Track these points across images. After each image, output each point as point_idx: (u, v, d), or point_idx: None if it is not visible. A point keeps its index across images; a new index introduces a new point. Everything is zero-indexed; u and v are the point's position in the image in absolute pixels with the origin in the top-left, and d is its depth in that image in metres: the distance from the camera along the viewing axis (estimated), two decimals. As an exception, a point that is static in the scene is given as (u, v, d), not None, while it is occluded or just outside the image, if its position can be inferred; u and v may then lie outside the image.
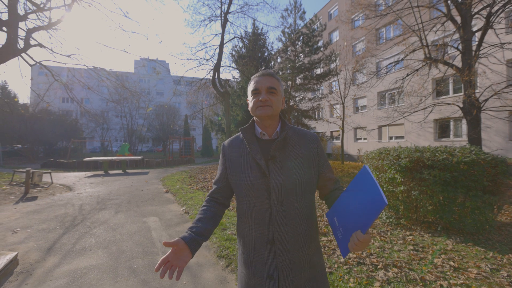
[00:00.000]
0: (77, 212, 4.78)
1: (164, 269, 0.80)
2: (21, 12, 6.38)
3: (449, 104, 9.27)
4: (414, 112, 9.54)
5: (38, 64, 6.80)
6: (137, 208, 5.04)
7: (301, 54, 14.47)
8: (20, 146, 22.15)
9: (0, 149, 17.04)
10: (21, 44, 6.49)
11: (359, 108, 20.28)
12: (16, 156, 21.24)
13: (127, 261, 2.75)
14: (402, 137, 16.65)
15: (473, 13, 7.82)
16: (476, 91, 10.41)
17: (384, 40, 17.74)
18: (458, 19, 8.35)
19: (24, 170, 7.54)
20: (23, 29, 6.81)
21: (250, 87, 1.01)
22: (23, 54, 6.13)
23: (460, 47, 8.43)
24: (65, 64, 7.05)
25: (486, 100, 8.18)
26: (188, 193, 6.48)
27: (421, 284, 2.25)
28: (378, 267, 2.55)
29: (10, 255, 2.59)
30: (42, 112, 22.10)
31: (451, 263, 2.63)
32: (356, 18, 14.45)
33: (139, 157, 14.43)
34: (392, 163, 3.92)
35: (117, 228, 3.85)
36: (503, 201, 3.83)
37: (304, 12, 14.26)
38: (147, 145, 42.81)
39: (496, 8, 7.40)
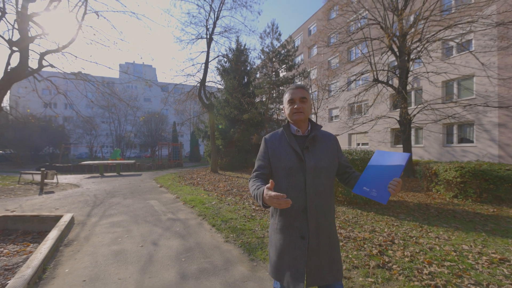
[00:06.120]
0: (94, 198, 6.37)
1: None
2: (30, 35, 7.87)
3: (390, 117, 11.57)
4: (363, 123, 11.77)
5: (45, 80, 8.32)
6: (140, 196, 6.69)
7: (278, 70, 16.62)
8: (9, 151, 22.69)
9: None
10: (34, 65, 8.00)
11: (333, 117, 22.62)
12: (4, 162, 21.83)
13: (142, 218, 4.46)
14: (367, 144, 19.01)
15: (408, 45, 10.03)
16: (412, 107, 12.79)
17: (354, 58, 20.28)
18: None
19: (37, 172, 8.93)
20: (36, 52, 8.37)
21: (287, 97, 1.28)
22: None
23: (397, 72, 10.71)
24: (71, 80, 8.57)
25: (414, 115, 10.49)
26: (178, 187, 8.16)
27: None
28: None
29: (70, 214, 4.23)
30: (24, 117, 22.74)
31: (351, 217, 4.52)
32: (331, 36, 16.83)
33: (132, 161, 15.82)
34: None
35: (129, 205, 5.52)
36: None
37: (280, 34, 16.44)
38: (135, 151, 43.49)
39: (415, 45, 9.72)
